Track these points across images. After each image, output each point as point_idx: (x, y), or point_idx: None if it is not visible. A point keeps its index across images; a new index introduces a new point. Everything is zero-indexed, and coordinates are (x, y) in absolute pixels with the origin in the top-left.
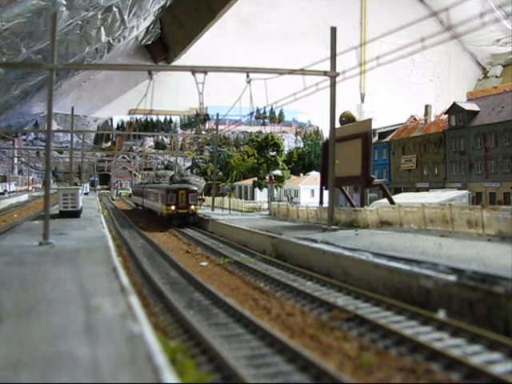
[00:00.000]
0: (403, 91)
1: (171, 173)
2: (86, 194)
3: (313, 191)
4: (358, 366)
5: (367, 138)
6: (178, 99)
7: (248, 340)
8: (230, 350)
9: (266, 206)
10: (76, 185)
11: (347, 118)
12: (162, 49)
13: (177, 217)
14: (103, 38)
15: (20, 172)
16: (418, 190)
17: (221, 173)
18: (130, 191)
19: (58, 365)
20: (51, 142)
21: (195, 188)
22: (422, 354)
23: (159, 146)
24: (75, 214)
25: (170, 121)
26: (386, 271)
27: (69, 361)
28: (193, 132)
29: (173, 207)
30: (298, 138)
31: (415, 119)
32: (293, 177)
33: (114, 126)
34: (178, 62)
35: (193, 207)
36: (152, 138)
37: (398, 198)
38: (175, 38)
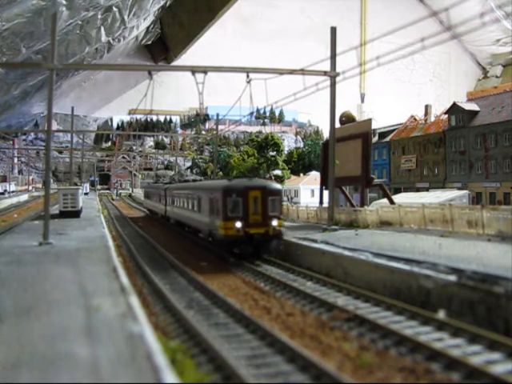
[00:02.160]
0: (403, 91)
1: (171, 173)
2: (86, 193)
3: (313, 191)
4: (358, 366)
5: (367, 138)
6: (178, 99)
7: (248, 340)
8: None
9: None
10: (76, 185)
11: (347, 118)
12: (161, 49)
13: (245, 241)
14: (103, 38)
15: (20, 172)
16: (417, 190)
17: (221, 173)
18: (141, 192)
19: (58, 365)
20: (51, 141)
21: (278, 185)
22: (422, 354)
23: (159, 145)
24: (75, 213)
25: (170, 121)
26: (386, 271)
27: (69, 361)
28: (193, 132)
29: (238, 224)
30: (298, 137)
31: (415, 119)
32: (293, 177)
33: (114, 126)
34: (177, 62)
35: (275, 223)
36: (152, 138)
37: (398, 198)
38: (175, 38)
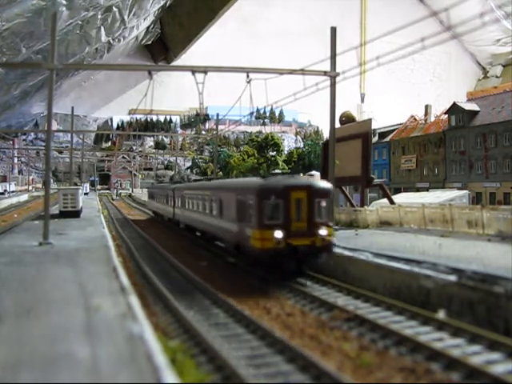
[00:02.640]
0: (403, 91)
1: (171, 173)
2: (86, 193)
3: None
4: (358, 365)
5: (367, 138)
6: (178, 99)
7: (248, 340)
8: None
9: None
10: (76, 185)
11: (347, 118)
12: (161, 49)
13: (287, 256)
14: (103, 38)
15: (20, 172)
16: (418, 189)
17: (221, 173)
18: (145, 192)
19: (58, 365)
20: (51, 141)
21: (326, 184)
22: (422, 354)
23: (159, 145)
24: (75, 213)
25: (170, 121)
26: (386, 271)
27: (69, 361)
28: (193, 132)
29: (278, 233)
30: (298, 137)
31: (415, 119)
32: None
33: (114, 126)
34: (177, 62)
35: (324, 232)
36: (152, 138)
37: (398, 198)
38: (175, 38)
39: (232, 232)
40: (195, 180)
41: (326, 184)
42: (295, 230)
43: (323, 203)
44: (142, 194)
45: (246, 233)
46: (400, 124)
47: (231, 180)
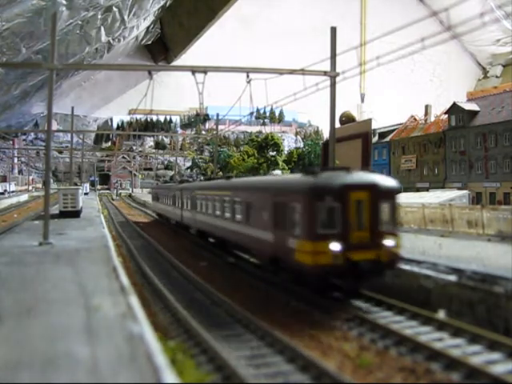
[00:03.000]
0: (403, 91)
1: (171, 173)
2: (86, 193)
3: None
4: (357, 365)
5: (367, 138)
6: (178, 99)
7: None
8: None
9: None
10: (76, 185)
11: (347, 118)
12: (162, 49)
13: (347, 274)
14: (103, 38)
15: (20, 172)
16: (418, 189)
17: (221, 173)
18: (147, 192)
19: (58, 365)
20: (51, 141)
21: (392, 181)
22: (422, 354)
23: (159, 145)
24: (75, 213)
25: (170, 121)
26: None
27: (69, 361)
28: (193, 132)
29: (335, 246)
30: (298, 137)
31: (415, 119)
32: None
33: (114, 126)
34: (177, 62)
35: (391, 242)
36: (152, 138)
37: (398, 198)
38: (175, 37)
39: (265, 242)
40: (207, 179)
41: (391, 181)
42: (356, 241)
43: (389, 206)
44: (142, 194)
45: (287, 244)
46: (400, 124)
47: (261, 178)
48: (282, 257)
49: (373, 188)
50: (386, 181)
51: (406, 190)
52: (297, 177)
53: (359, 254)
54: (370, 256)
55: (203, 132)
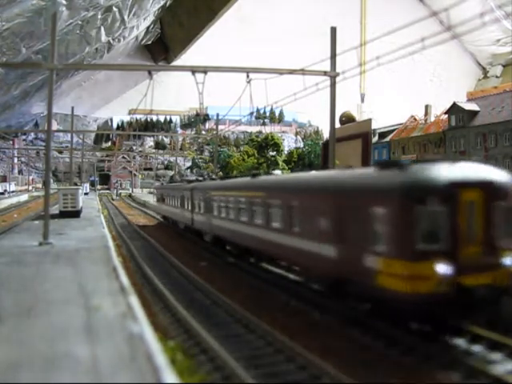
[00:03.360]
0: (403, 91)
1: (171, 173)
2: (86, 193)
3: None
4: (357, 365)
5: (367, 138)
6: (178, 99)
7: None
8: None
9: None
10: (76, 185)
11: (347, 118)
12: (161, 49)
13: (458, 305)
14: (103, 38)
15: (20, 172)
16: None
17: (221, 173)
18: (153, 193)
19: (58, 365)
20: (51, 141)
21: (507, 176)
22: (422, 354)
23: (159, 145)
24: (75, 214)
25: (170, 121)
26: None
27: (69, 361)
28: (193, 132)
29: (441, 268)
30: (298, 137)
31: (415, 119)
32: None
33: (114, 126)
34: (177, 62)
35: (509, 261)
36: (152, 138)
37: None
38: (175, 37)
39: (322, 258)
40: (222, 177)
41: (506, 177)
42: (468, 260)
43: (507, 211)
44: (142, 194)
45: (362, 263)
46: (400, 124)
47: (310, 174)
48: (352, 279)
49: (487, 187)
50: (503, 176)
51: None
52: (369, 171)
53: (472, 278)
54: (486, 280)
55: (203, 132)
